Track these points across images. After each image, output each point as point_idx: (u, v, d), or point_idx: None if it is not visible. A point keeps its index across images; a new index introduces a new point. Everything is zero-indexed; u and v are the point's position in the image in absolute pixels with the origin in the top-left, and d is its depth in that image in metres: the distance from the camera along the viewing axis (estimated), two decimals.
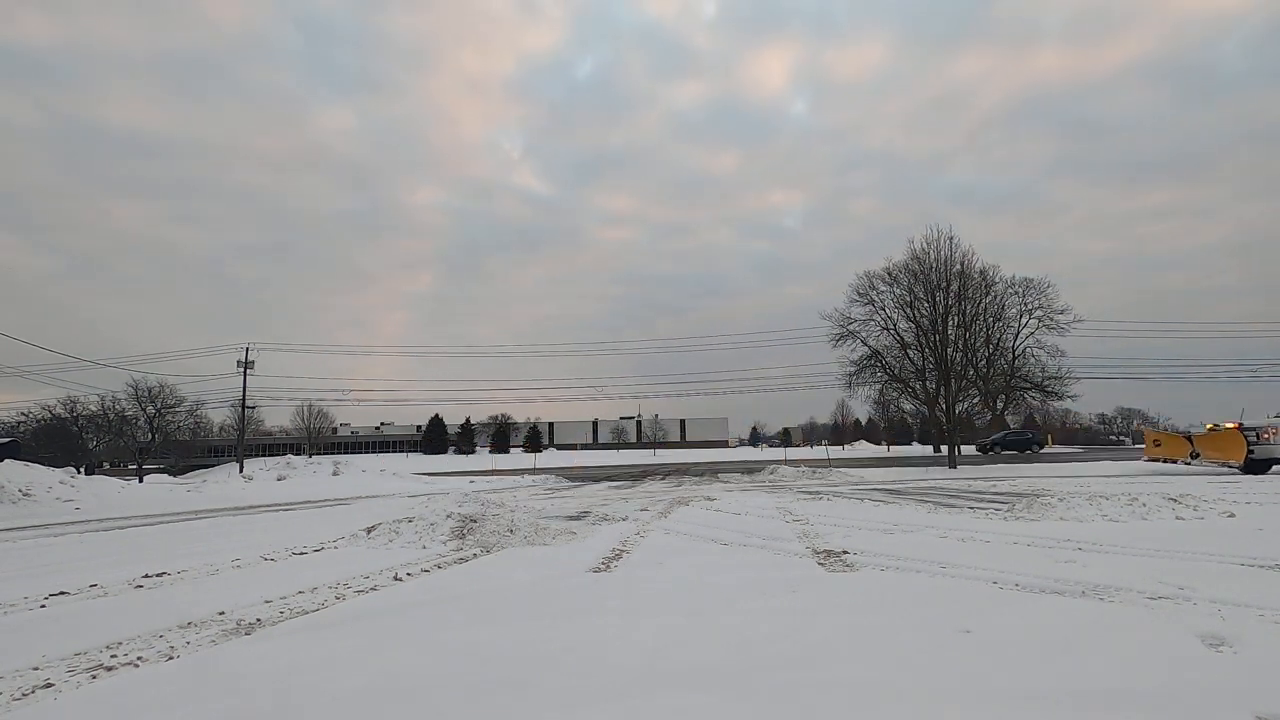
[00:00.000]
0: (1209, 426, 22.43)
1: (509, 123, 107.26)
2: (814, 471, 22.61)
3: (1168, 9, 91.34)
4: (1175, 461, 21.57)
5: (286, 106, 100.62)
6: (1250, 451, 18.37)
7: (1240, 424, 20.71)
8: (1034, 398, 42.39)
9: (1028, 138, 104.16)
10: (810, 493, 14.52)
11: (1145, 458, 23.90)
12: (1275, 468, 18.60)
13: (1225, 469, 19.68)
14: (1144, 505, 8.68)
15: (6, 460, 18.98)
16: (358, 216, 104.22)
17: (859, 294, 32.01)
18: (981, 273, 33.53)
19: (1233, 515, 8.22)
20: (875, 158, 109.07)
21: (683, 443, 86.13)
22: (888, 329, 31.73)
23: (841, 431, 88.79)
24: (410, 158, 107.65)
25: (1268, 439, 18.33)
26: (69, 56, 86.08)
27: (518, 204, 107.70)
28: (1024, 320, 40.22)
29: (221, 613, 4.38)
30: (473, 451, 75.53)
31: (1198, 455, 20.41)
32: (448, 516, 8.08)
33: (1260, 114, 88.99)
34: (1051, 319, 38.98)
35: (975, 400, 39.82)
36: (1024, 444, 44.93)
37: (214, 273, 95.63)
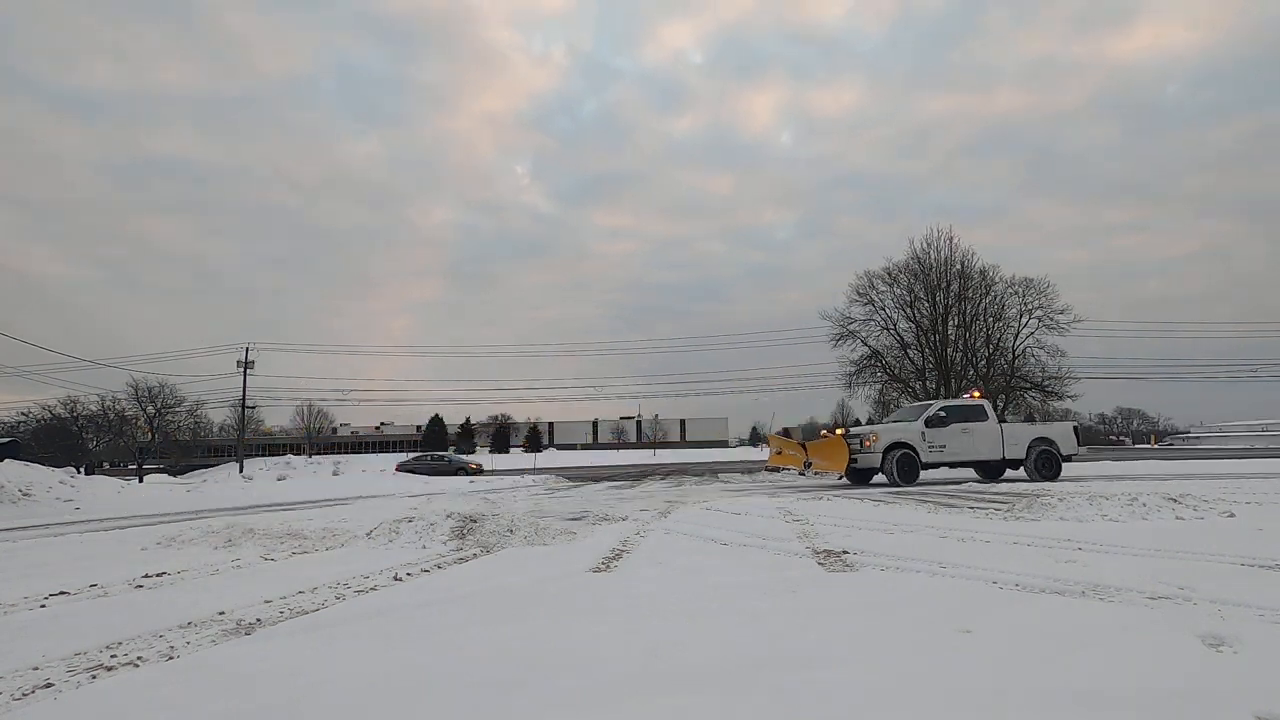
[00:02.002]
0: (823, 432, 20.38)
1: (520, 151, 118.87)
2: (814, 472, 22.60)
3: (1111, 57, 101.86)
4: (796, 471, 18.84)
5: (319, 138, 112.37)
6: (853, 460, 16.61)
7: (846, 429, 18.91)
8: (1034, 398, 42.45)
9: (996, 164, 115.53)
10: (810, 493, 14.53)
11: (768, 467, 21.06)
12: (877, 477, 16.92)
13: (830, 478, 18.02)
14: (1144, 505, 8.68)
15: (6, 460, 18.98)
16: (373, 230, 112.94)
17: (859, 294, 32.01)
18: (981, 273, 33.57)
19: (1233, 515, 8.22)
20: (858, 180, 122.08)
21: (683, 443, 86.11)
22: (888, 329, 31.76)
23: None
24: (427, 181, 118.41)
25: (869, 446, 16.30)
26: (129, 97, 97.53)
27: (525, 221, 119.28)
28: (1024, 320, 40.33)
29: (221, 613, 4.38)
30: (473, 451, 75.51)
31: (810, 465, 17.82)
32: (447, 516, 8.08)
33: (1204, 146, 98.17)
34: (1052, 319, 39.09)
35: None
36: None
37: (236, 281, 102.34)
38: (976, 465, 17.63)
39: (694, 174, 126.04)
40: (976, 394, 19.22)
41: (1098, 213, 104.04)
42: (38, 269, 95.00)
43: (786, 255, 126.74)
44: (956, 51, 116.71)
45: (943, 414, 16.70)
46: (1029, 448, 16.62)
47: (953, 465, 17.16)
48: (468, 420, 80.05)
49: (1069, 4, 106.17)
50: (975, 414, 16.98)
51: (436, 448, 74.06)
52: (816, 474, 18.06)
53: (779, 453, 18.74)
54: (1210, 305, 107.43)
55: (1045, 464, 16.59)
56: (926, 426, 16.33)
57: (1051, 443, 16.83)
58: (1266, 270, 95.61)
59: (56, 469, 21.30)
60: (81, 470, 32.09)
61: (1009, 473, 17.99)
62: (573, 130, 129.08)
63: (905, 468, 15.88)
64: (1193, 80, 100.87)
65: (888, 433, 16.44)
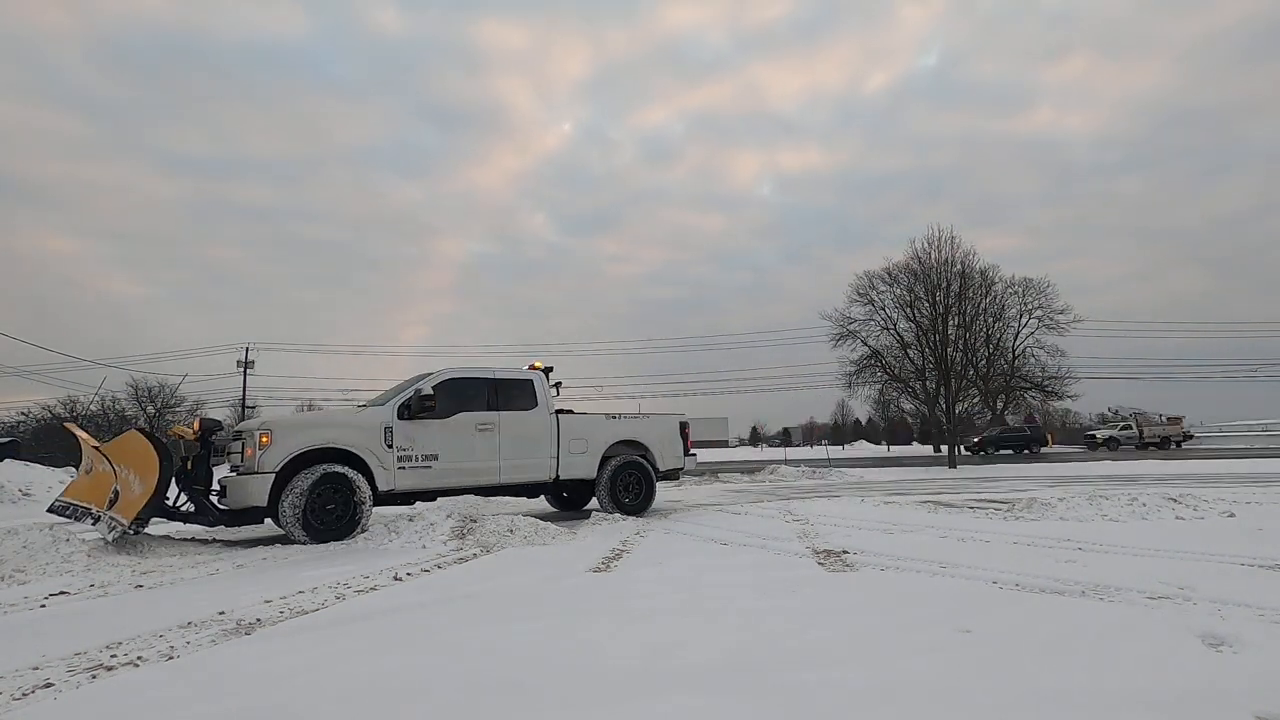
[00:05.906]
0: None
1: (537, 197, 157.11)
2: (814, 471, 22.60)
3: (1023, 131, 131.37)
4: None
5: (374, 188, 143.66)
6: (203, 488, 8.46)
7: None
8: (1034, 397, 42.50)
9: (942, 207, 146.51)
10: (810, 492, 14.53)
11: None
12: None
13: None
14: (1144, 505, 8.69)
15: (6, 460, 18.94)
16: (405, 255, 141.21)
17: (859, 294, 32.02)
18: (982, 273, 33.62)
19: (1233, 515, 8.23)
20: (829, 220, 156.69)
21: None
22: (888, 329, 31.74)
23: (841, 431, 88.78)
24: (456, 218, 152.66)
25: (253, 457, 7.81)
26: (221, 160, 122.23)
27: (538, 249, 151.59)
28: (1024, 320, 40.38)
29: (221, 613, 4.38)
30: None
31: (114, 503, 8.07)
32: (448, 516, 8.07)
33: (1114, 195, 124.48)
34: (1051, 319, 39.17)
35: (975, 400, 39.89)
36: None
37: (282, 297, 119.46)
38: (497, 489, 9.36)
39: (686, 215, 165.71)
40: (538, 364, 10.50)
41: (1039, 241, 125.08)
42: (117, 289, 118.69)
43: (771, 276, 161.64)
44: (893, 130, 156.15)
45: (430, 395, 8.61)
46: (604, 460, 10.13)
47: (449, 491, 8.95)
48: None
49: (979, 96, 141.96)
50: (514, 397, 9.57)
51: None
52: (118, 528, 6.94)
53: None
54: (1165, 312, 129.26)
55: (630, 487, 10.23)
56: (399, 419, 8.49)
57: (644, 451, 10.52)
58: (1205, 289, 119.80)
59: (56, 469, 21.26)
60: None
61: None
62: (582, 181, 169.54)
63: (313, 509, 7.62)
64: (1092, 147, 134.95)
65: (297, 430, 8.03)
